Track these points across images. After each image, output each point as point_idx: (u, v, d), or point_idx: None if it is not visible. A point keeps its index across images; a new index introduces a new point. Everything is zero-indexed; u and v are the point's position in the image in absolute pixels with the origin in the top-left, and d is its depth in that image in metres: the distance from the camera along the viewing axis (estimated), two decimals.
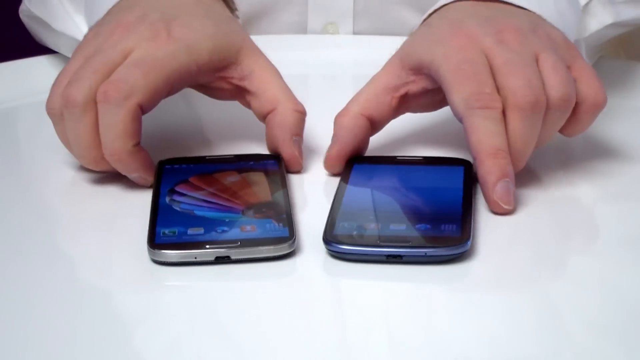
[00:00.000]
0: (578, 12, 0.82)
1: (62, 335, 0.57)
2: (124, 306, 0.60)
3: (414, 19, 0.94)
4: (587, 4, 0.84)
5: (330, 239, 0.63)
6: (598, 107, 0.70)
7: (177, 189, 0.69)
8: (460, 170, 0.70)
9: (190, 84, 0.74)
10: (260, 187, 0.69)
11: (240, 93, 0.75)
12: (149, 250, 0.63)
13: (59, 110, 0.70)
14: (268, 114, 0.73)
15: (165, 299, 0.61)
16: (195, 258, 0.62)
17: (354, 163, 0.72)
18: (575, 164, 0.74)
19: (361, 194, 0.68)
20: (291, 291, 0.61)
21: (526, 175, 0.71)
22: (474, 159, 0.68)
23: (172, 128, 0.82)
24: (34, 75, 0.91)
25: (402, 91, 0.73)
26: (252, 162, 0.72)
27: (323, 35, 0.99)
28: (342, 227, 0.64)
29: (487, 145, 0.67)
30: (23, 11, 0.95)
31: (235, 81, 0.74)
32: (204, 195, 0.68)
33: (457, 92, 0.68)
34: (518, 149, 0.68)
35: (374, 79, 0.74)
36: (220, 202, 0.67)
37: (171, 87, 0.71)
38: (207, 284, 0.62)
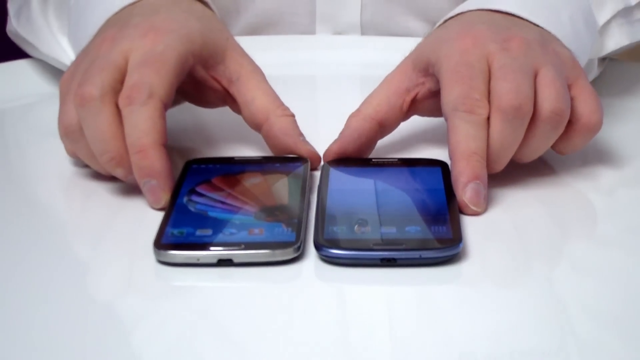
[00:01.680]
0: (594, 33, 0.80)
1: (65, 334, 0.57)
2: (127, 306, 0.60)
3: (421, 30, 0.95)
4: (604, 25, 0.83)
5: (322, 243, 0.62)
6: (591, 127, 0.69)
7: (198, 189, 0.68)
8: (438, 171, 0.70)
9: (186, 84, 0.73)
10: (279, 190, 0.68)
11: (230, 98, 0.75)
12: (153, 249, 0.62)
13: (76, 123, 0.69)
14: (260, 124, 0.73)
15: (168, 299, 0.60)
16: (198, 260, 0.61)
17: (330, 166, 0.71)
18: (571, 164, 0.74)
19: (345, 198, 0.67)
20: (295, 295, 0.60)
21: (517, 174, 0.71)
22: (450, 159, 0.68)
23: (204, 129, 0.82)
24: (18, 79, 0.90)
25: (413, 93, 0.73)
26: (277, 165, 0.71)
27: (331, 35, 0.99)
28: (332, 232, 0.63)
29: (463, 147, 0.67)
30: (10, 32, 0.94)
31: (224, 84, 0.74)
32: (221, 197, 0.67)
33: (447, 92, 0.69)
34: (495, 150, 0.68)
35: (386, 80, 0.74)
36: (236, 204, 0.66)
37: (179, 80, 0.71)
38: (212, 285, 0.61)
